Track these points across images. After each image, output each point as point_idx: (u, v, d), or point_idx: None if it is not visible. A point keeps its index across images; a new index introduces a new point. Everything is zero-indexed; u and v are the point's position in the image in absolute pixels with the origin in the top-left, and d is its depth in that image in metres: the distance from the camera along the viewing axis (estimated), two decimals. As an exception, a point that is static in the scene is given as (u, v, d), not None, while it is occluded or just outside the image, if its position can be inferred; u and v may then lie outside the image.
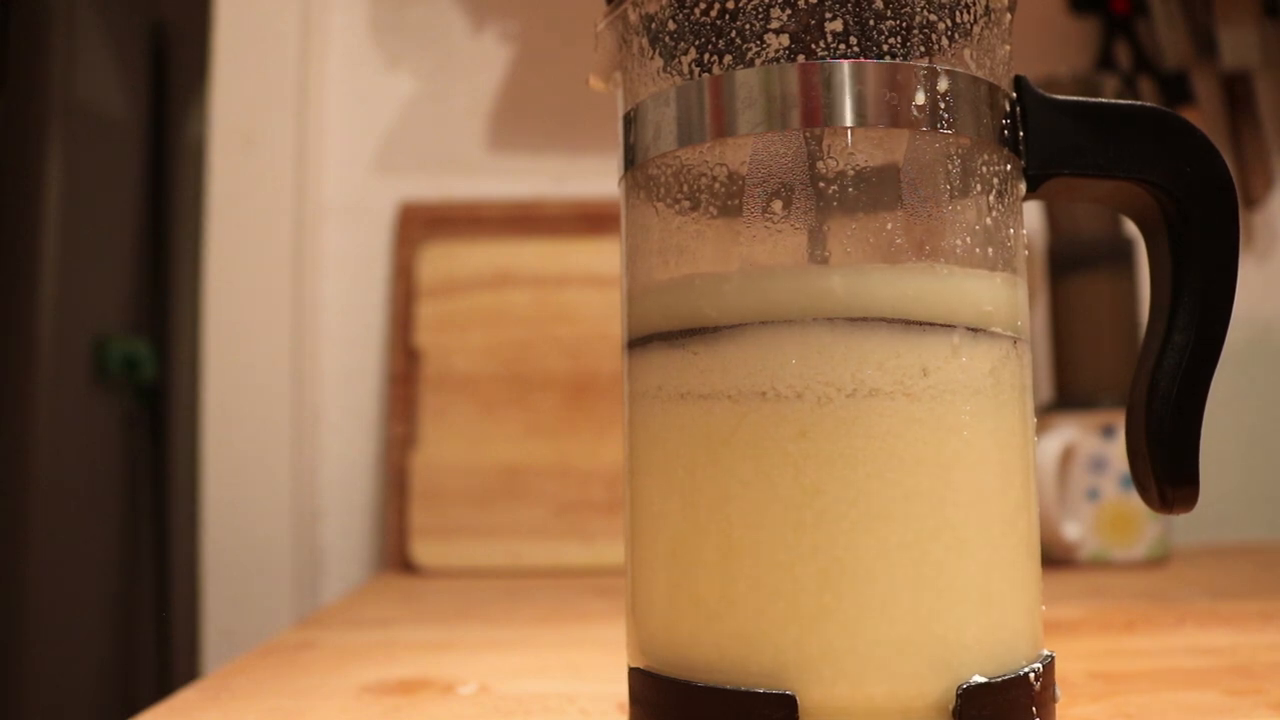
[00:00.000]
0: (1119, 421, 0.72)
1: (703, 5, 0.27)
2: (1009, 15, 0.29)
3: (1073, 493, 0.73)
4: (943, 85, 0.26)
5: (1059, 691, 0.27)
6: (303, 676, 0.42)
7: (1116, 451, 0.72)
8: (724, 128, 0.26)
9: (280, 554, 0.80)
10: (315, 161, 0.87)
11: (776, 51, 0.26)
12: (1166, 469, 0.29)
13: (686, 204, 0.27)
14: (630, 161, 0.29)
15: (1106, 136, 0.28)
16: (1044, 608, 0.28)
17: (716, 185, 0.27)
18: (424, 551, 0.78)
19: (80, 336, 1.43)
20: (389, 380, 0.83)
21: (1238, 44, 0.87)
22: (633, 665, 0.28)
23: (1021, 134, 0.28)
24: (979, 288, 0.26)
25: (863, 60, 0.26)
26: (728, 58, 0.26)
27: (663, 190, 0.28)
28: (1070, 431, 0.73)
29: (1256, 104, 0.89)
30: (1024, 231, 0.29)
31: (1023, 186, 0.28)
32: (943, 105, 0.26)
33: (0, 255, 1.35)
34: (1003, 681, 0.25)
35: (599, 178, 0.87)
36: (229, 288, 0.82)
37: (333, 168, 0.89)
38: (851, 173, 0.26)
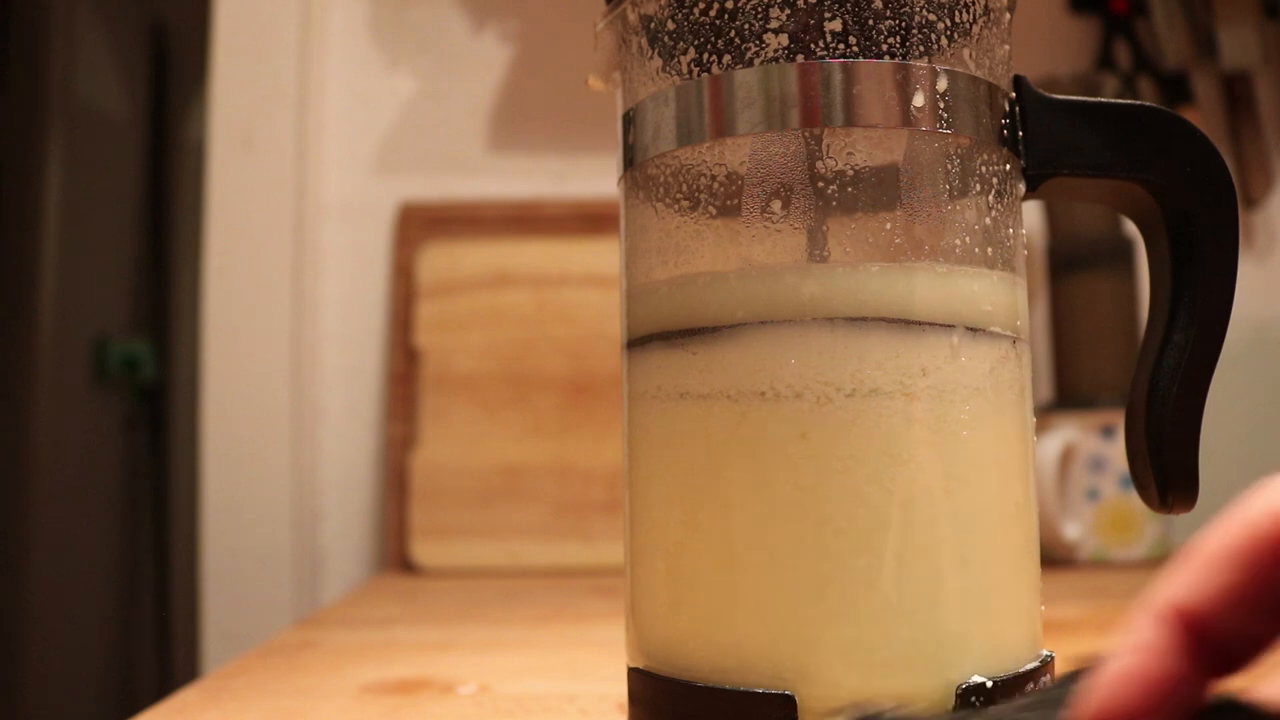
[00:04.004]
0: (1119, 421, 0.72)
1: (702, 5, 0.27)
2: (1008, 15, 0.29)
3: (1073, 493, 0.73)
4: (942, 85, 0.26)
5: (1058, 691, 0.27)
6: (303, 676, 0.42)
7: (1116, 451, 0.72)
8: (723, 127, 0.26)
9: (280, 554, 0.80)
10: (315, 161, 0.87)
11: (775, 51, 0.26)
12: (1166, 469, 0.28)
13: (686, 204, 0.27)
14: (629, 161, 0.29)
15: (1106, 136, 0.28)
16: (1044, 608, 0.28)
17: (715, 185, 0.27)
18: (424, 551, 0.78)
19: (80, 336, 1.43)
20: (389, 380, 0.83)
21: (1238, 44, 0.87)
22: (632, 665, 0.28)
23: (1021, 134, 0.28)
24: (978, 287, 0.26)
25: (862, 60, 0.26)
26: (727, 57, 0.26)
27: (662, 190, 0.28)
28: (1070, 431, 0.73)
29: (1256, 104, 0.89)
30: (1023, 231, 0.29)
31: (1022, 186, 0.28)
32: (942, 105, 0.26)
33: (0, 255, 1.35)
34: (1002, 681, 0.25)
35: (599, 178, 0.87)
36: (229, 288, 0.82)
37: (333, 168, 0.89)
38: (851, 172, 0.26)
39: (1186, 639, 0.16)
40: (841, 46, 0.26)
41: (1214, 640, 0.16)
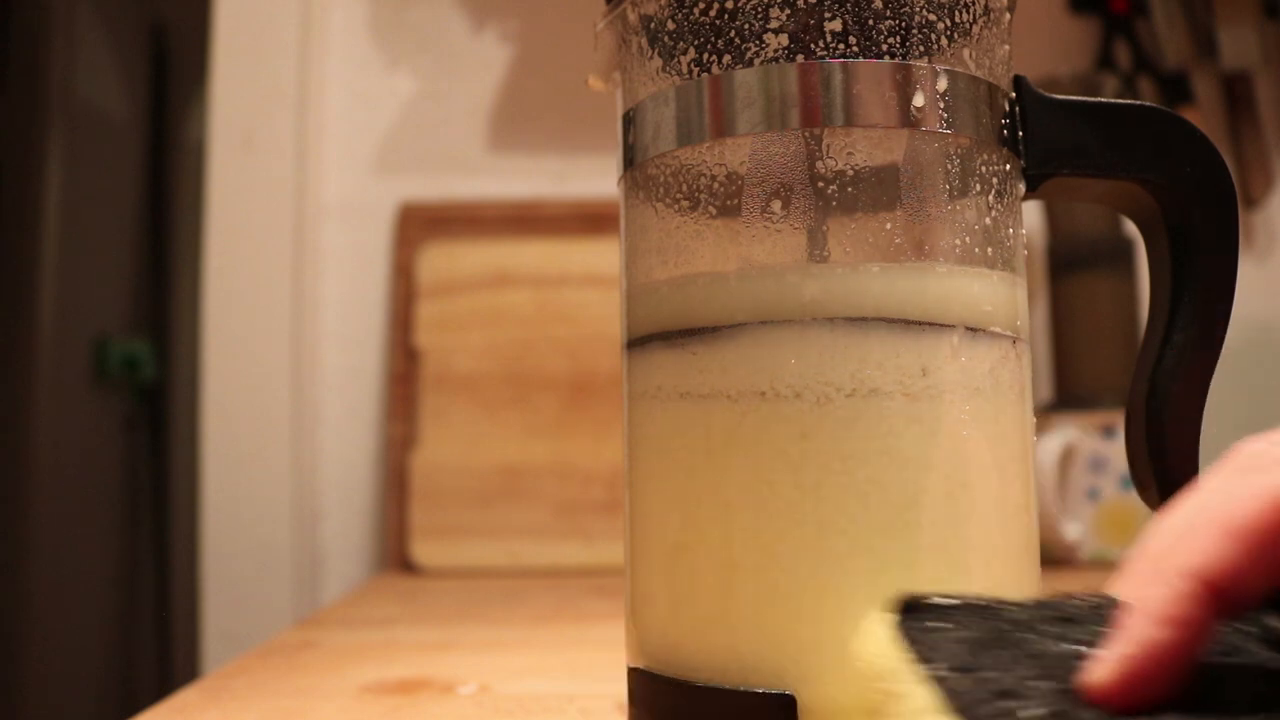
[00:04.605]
0: (1119, 421, 0.72)
1: (702, 5, 0.27)
2: (1008, 15, 0.29)
3: (1073, 493, 0.73)
4: (942, 85, 0.26)
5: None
6: (303, 676, 0.42)
7: (1116, 451, 0.72)
8: (723, 127, 0.26)
9: (280, 554, 0.80)
10: (315, 161, 0.87)
11: (776, 51, 0.26)
12: (1166, 469, 0.28)
13: (685, 204, 0.27)
14: (629, 161, 0.29)
15: (1106, 136, 0.28)
16: (1043, 608, 0.28)
17: (715, 185, 0.27)
18: (424, 551, 0.78)
19: (80, 336, 1.43)
20: (389, 380, 0.83)
21: (1238, 44, 0.87)
22: (632, 665, 0.28)
23: (1021, 134, 0.28)
24: (978, 287, 0.26)
25: (862, 60, 0.26)
26: (727, 57, 0.26)
27: (662, 190, 0.28)
28: (1070, 431, 0.73)
29: (1256, 104, 0.89)
30: (1023, 231, 0.29)
31: (1022, 186, 0.28)
32: (942, 105, 0.26)
33: (0, 255, 1.35)
34: (1002, 681, 0.25)
35: (599, 178, 0.87)
36: (229, 288, 0.82)
37: (333, 168, 0.89)
38: (850, 172, 0.26)
39: (1211, 609, 0.17)
40: (841, 46, 0.26)
41: (1227, 603, 0.18)
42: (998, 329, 0.26)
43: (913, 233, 0.26)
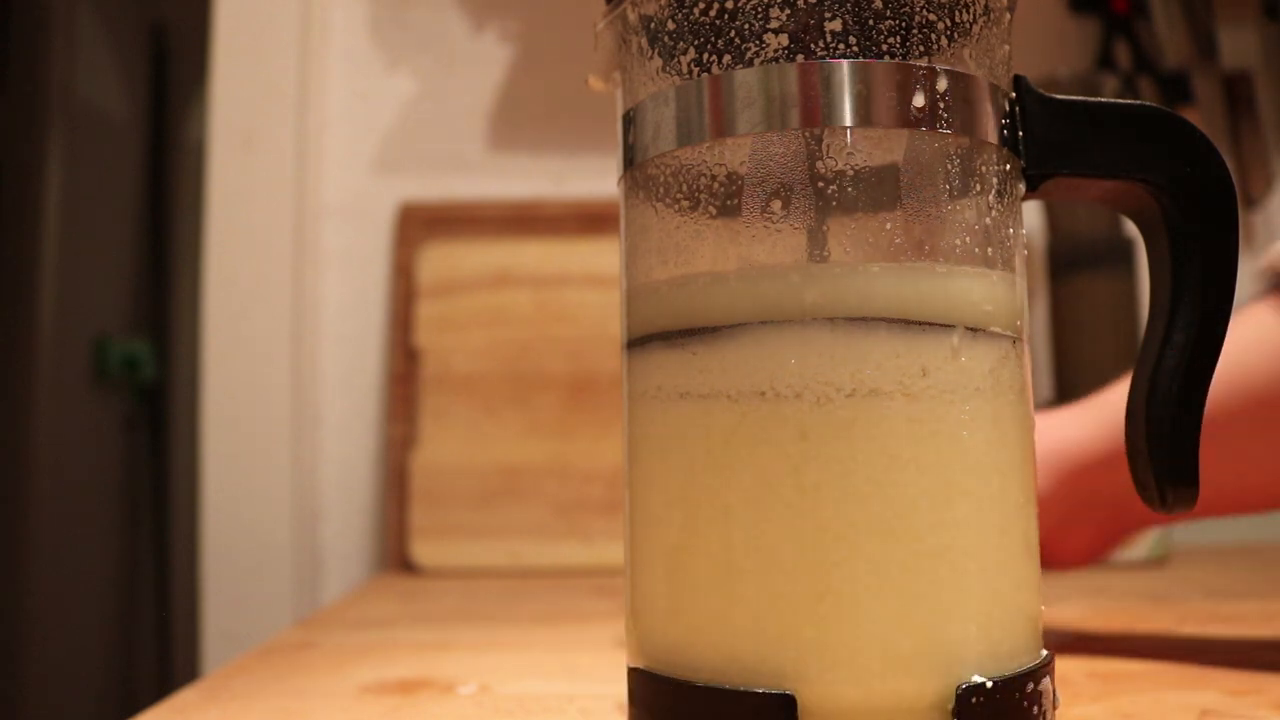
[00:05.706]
0: (1119, 421, 0.72)
1: (702, 5, 0.27)
2: (1009, 15, 0.29)
3: (1073, 493, 0.73)
4: (942, 85, 0.26)
5: (1058, 693, 0.27)
6: (303, 676, 0.42)
7: (1116, 451, 0.72)
8: (723, 127, 0.26)
9: (280, 554, 0.80)
10: (315, 161, 0.87)
11: (775, 51, 0.26)
12: (1166, 469, 0.28)
13: (686, 204, 0.27)
14: (629, 161, 0.29)
15: (1106, 136, 0.28)
16: (1044, 608, 0.28)
17: (715, 185, 0.27)
18: (424, 551, 0.78)
19: (80, 336, 1.43)
20: (389, 380, 0.83)
21: (1238, 44, 0.87)
22: (632, 665, 0.28)
23: (1021, 134, 0.28)
24: (978, 287, 0.26)
25: (862, 60, 0.26)
26: (727, 57, 0.26)
27: (662, 190, 0.28)
28: (1070, 431, 0.73)
29: (1256, 104, 0.89)
30: (1023, 231, 0.29)
31: (1022, 186, 0.28)
32: (942, 105, 0.26)
33: (0, 255, 1.35)
34: (1002, 681, 0.25)
35: (599, 178, 0.87)
36: (229, 288, 0.82)
37: (333, 168, 0.89)
38: (851, 172, 0.26)
39: None
40: (841, 46, 0.26)
41: None
42: (998, 329, 0.26)
43: (913, 233, 0.26)
